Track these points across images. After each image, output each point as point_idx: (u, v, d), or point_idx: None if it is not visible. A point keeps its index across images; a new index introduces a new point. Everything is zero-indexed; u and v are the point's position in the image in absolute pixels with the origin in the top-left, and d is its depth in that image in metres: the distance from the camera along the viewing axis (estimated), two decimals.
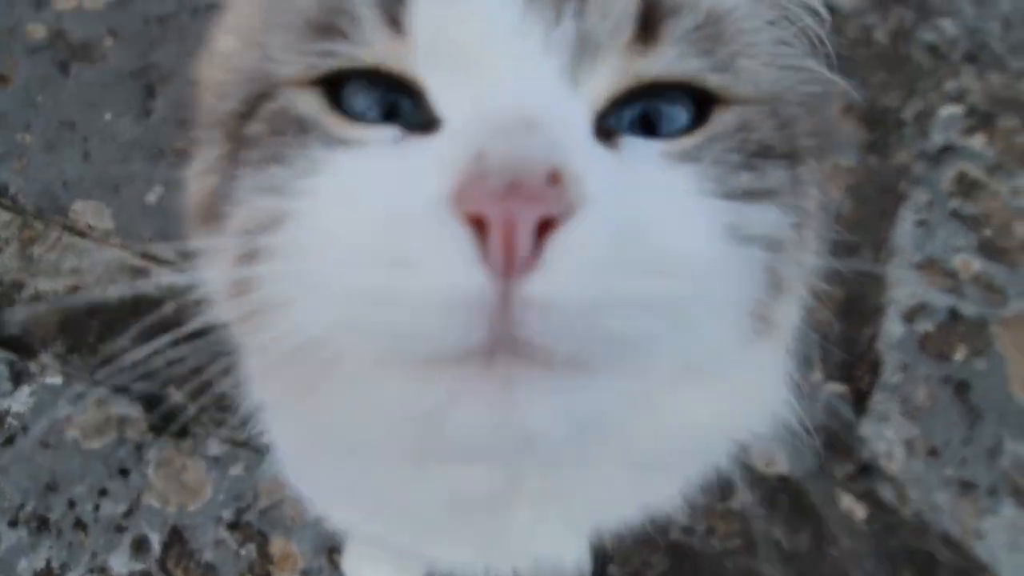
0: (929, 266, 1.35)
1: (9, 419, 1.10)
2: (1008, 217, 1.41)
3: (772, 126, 0.50)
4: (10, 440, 1.09)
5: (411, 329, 0.39)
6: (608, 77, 0.46)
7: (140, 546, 1.03)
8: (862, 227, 1.37)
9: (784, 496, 1.17)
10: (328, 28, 0.48)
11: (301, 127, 0.47)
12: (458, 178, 0.38)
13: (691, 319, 0.43)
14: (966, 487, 1.19)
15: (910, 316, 1.30)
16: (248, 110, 0.50)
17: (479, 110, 0.43)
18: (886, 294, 1.31)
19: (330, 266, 0.41)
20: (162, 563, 1.02)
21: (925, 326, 1.29)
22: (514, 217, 0.37)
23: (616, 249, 0.39)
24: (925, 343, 1.28)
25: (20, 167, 1.28)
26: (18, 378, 1.13)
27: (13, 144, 1.30)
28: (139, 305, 1.18)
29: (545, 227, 0.38)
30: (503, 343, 0.39)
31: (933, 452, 1.21)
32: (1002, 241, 1.38)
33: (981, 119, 1.50)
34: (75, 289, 1.19)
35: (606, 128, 0.47)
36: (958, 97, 1.53)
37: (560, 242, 0.38)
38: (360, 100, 0.48)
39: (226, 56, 0.56)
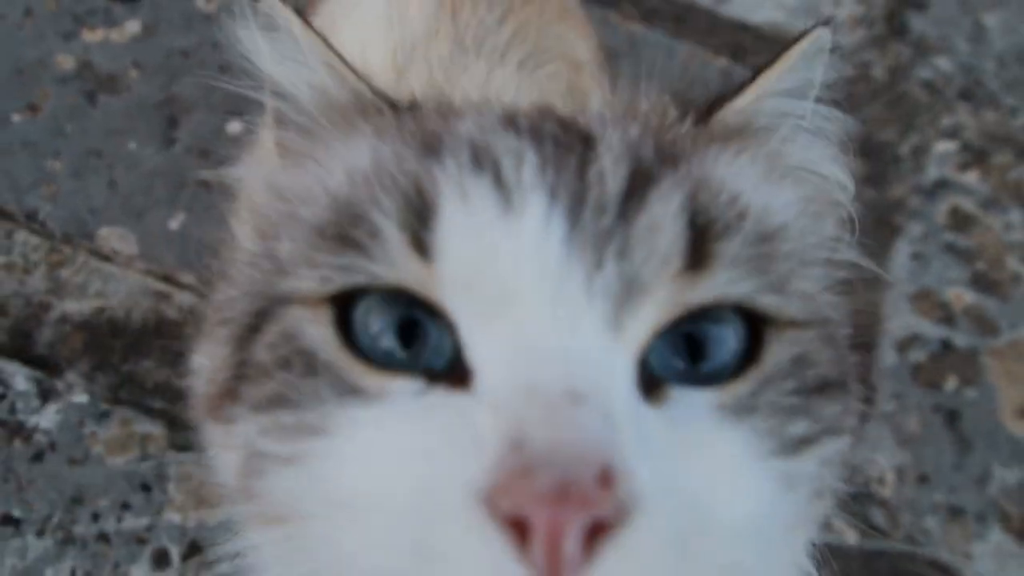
0: (923, 297, 1.39)
1: (37, 435, 1.15)
2: (1000, 251, 1.45)
3: (829, 357, 0.47)
4: (39, 455, 1.14)
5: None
6: (653, 313, 0.42)
7: (161, 558, 1.08)
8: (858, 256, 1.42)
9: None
10: (345, 239, 0.44)
11: (310, 366, 0.43)
12: (496, 471, 0.35)
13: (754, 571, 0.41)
14: (956, 513, 1.23)
15: (903, 346, 1.34)
16: (256, 324, 0.47)
17: (514, 371, 0.39)
18: (880, 324, 1.35)
19: (350, 539, 0.39)
20: (181, 574, 1.07)
21: (918, 356, 1.34)
22: (561, 522, 0.34)
23: (675, 547, 0.37)
24: (918, 373, 1.32)
25: (49, 193, 1.33)
26: (46, 396, 1.18)
27: (43, 171, 1.35)
28: (161, 327, 1.23)
29: (595, 530, 0.34)
30: None
31: (924, 478, 1.25)
32: (994, 274, 1.43)
33: (975, 155, 1.55)
34: (100, 311, 1.24)
35: (651, 374, 0.43)
36: (953, 133, 1.58)
37: (613, 548, 0.35)
38: (375, 321, 0.43)
39: (242, 248, 0.53)
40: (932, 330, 1.36)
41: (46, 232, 1.30)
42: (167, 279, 1.27)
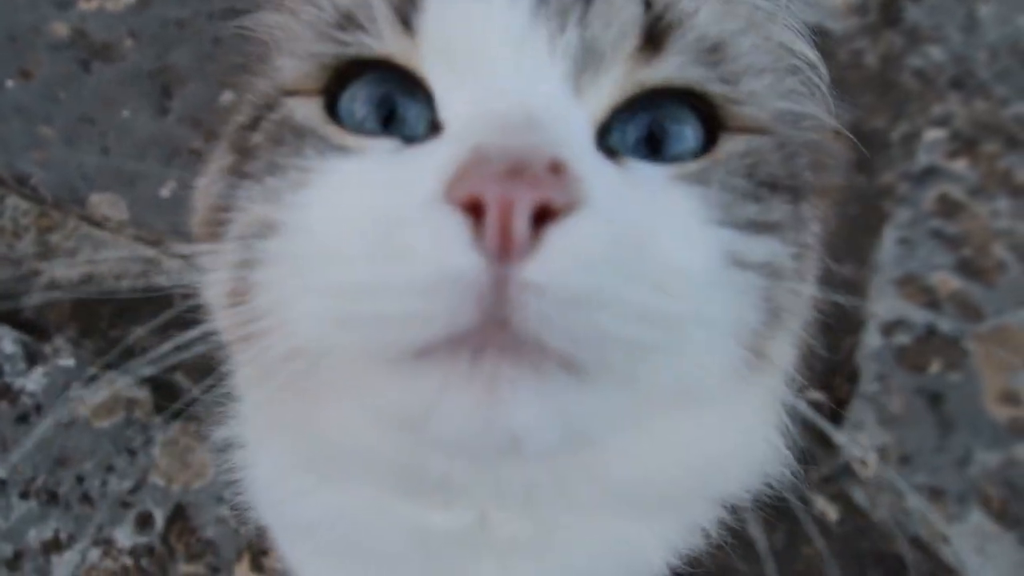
0: (909, 282, 1.40)
1: (23, 397, 1.15)
2: (987, 238, 1.46)
3: (779, 159, 0.50)
4: (24, 417, 1.15)
5: (400, 315, 0.38)
6: (612, 86, 0.47)
7: (144, 521, 1.09)
8: (846, 243, 1.42)
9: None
10: (343, 26, 0.49)
11: (298, 135, 0.48)
12: (454, 167, 0.38)
13: (685, 337, 0.42)
14: (936, 494, 1.24)
15: (888, 329, 1.35)
16: (252, 122, 0.51)
17: (480, 111, 0.43)
18: (866, 307, 1.36)
19: (321, 268, 0.41)
20: (164, 538, 1.07)
21: (903, 339, 1.34)
22: (512, 197, 0.36)
23: (616, 251, 0.38)
24: (902, 356, 1.33)
25: (41, 159, 1.33)
26: (32, 359, 1.18)
27: (35, 137, 1.35)
28: (149, 293, 1.23)
29: (543, 216, 0.37)
30: (494, 334, 0.38)
31: (906, 459, 1.25)
32: (980, 261, 1.43)
33: (965, 143, 1.56)
34: (90, 277, 1.24)
35: (610, 147, 0.47)
36: (943, 121, 1.58)
37: (559, 233, 0.37)
38: (360, 106, 0.48)
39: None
40: (917, 314, 1.36)
41: (37, 197, 1.30)
42: (157, 246, 1.27)
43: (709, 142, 0.49)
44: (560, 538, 0.58)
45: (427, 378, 0.39)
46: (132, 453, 1.12)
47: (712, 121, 0.49)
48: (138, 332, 0.58)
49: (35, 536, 1.07)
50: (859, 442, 1.26)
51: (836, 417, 1.28)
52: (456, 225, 0.37)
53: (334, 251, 0.41)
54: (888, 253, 1.42)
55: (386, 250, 0.39)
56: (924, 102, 1.60)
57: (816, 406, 1.29)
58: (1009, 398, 1.31)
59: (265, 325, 0.43)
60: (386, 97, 0.48)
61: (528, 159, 0.37)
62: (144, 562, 1.06)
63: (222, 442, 0.65)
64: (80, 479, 1.11)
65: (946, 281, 1.40)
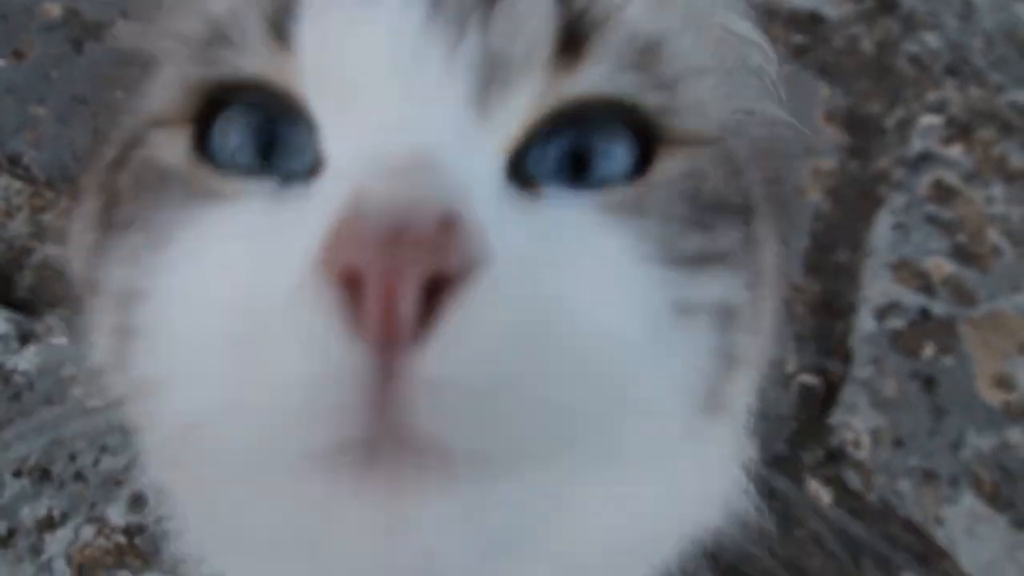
0: (903, 267, 1.40)
1: (16, 376, 1.15)
2: (982, 223, 1.46)
3: (725, 174, 0.43)
4: (17, 396, 1.14)
5: (277, 418, 0.32)
6: (524, 103, 0.39)
7: (137, 500, 1.08)
8: (840, 228, 1.43)
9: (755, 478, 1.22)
10: (214, 39, 0.42)
11: (161, 179, 0.40)
12: (329, 231, 0.31)
13: (618, 406, 0.36)
14: (929, 476, 1.24)
15: (882, 313, 1.35)
16: (121, 157, 0.44)
17: (364, 147, 0.36)
18: (860, 292, 1.37)
19: (190, 347, 0.35)
20: (157, 516, 1.07)
21: (896, 323, 1.35)
22: (395, 271, 0.29)
23: (526, 323, 0.33)
24: (896, 339, 1.34)
25: (33, 138, 1.33)
26: (25, 338, 1.18)
27: (27, 116, 1.35)
28: None
29: (436, 287, 0.30)
30: (388, 434, 0.31)
31: (899, 442, 1.26)
32: (975, 246, 1.44)
33: (960, 129, 1.56)
34: None
35: (525, 174, 0.39)
36: (939, 108, 1.59)
37: (455, 308, 0.31)
38: (234, 136, 0.41)
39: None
40: (911, 298, 1.37)
41: (29, 177, 1.29)
42: None
43: (644, 159, 0.41)
44: None
45: (315, 485, 0.33)
46: (125, 432, 1.12)
47: (646, 134, 0.42)
48: None
49: (29, 514, 1.07)
50: (853, 425, 1.26)
51: (830, 400, 1.28)
52: (328, 302, 0.30)
53: (200, 327, 0.35)
54: (882, 238, 1.42)
55: (251, 329, 0.33)
56: (920, 88, 1.60)
57: (809, 389, 1.29)
58: (1002, 382, 1.32)
59: (146, 401, 0.38)
60: (265, 125, 0.41)
61: (411, 218, 0.30)
62: (138, 540, 1.06)
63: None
64: (73, 457, 1.10)
65: (940, 266, 1.40)
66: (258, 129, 0.41)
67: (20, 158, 1.31)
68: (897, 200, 1.46)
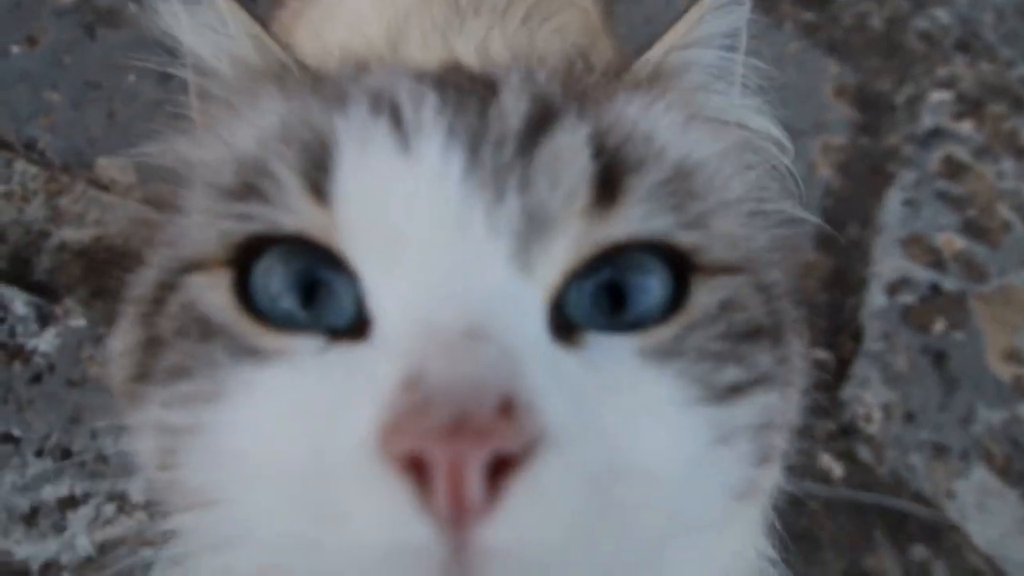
0: (914, 242, 1.40)
1: (36, 358, 1.17)
2: (992, 198, 1.46)
3: (759, 301, 0.45)
4: (37, 377, 1.16)
5: (349, 567, 0.34)
6: (563, 253, 0.40)
7: None
8: (850, 203, 1.43)
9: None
10: (246, 194, 0.42)
11: (205, 331, 0.41)
12: (390, 412, 0.33)
13: (668, 535, 0.39)
14: (940, 450, 1.25)
15: (893, 289, 1.36)
16: (160, 297, 0.44)
17: (413, 313, 0.37)
18: (871, 267, 1.37)
19: (251, 512, 0.36)
20: None
21: (907, 299, 1.35)
22: (460, 458, 0.31)
23: (587, 490, 0.34)
24: (907, 315, 1.34)
25: (47, 124, 1.34)
26: (44, 320, 1.19)
27: (41, 102, 1.36)
28: None
29: (500, 467, 0.32)
30: None
31: (910, 417, 1.27)
32: (985, 221, 1.44)
33: (970, 105, 1.56)
34: (99, 239, 1.25)
35: (566, 319, 0.41)
36: (949, 83, 1.58)
37: (520, 485, 0.32)
38: (274, 281, 0.41)
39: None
40: (922, 274, 1.37)
41: (45, 162, 1.31)
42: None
43: (678, 289, 0.43)
44: None
45: None
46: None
47: (679, 263, 0.43)
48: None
49: (51, 492, 1.09)
50: (864, 400, 1.27)
51: (841, 375, 1.29)
52: (398, 489, 0.32)
53: (261, 495, 0.36)
54: (893, 214, 1.42)
55: (320, 504, 0.34)
56: (930, 64, 1.60)
57: (821, 365, 1.30)
58: (1013, 356, 1.32)
59: (199, 518, 0.39)
60: (306, 271, 0.41)
61: (473, 404, 0.32)
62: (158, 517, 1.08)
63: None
64: (94, 436, 1.12)
65: (951, 241, 1.41)
66: (299, 276, 0.41)
67: (35, 143, 1.32)
68: (907, 176, 1.47)
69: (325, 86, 0.48)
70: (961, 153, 1.50)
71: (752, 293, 0.45)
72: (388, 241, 0.39)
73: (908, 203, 1.44)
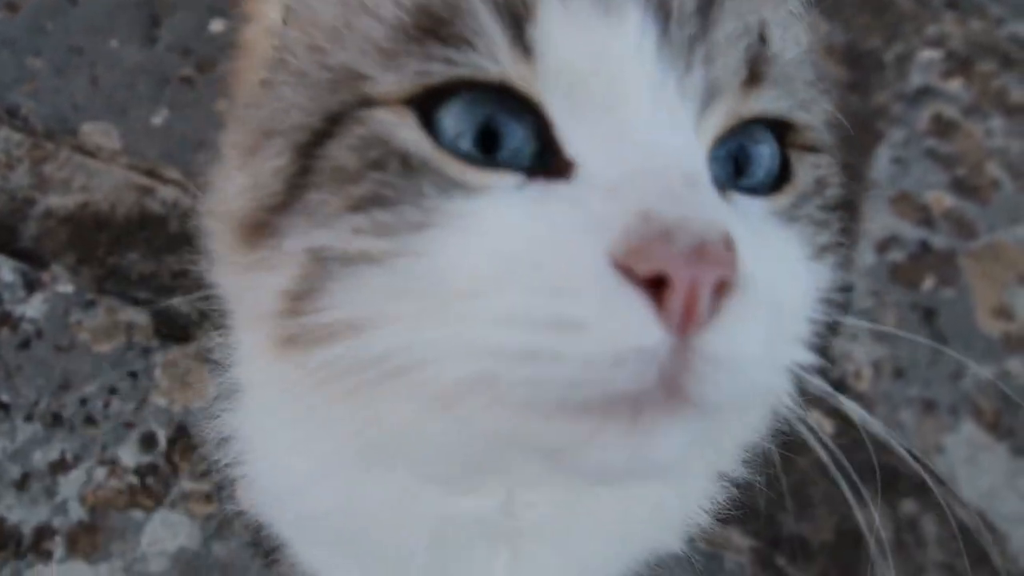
0: (903, 200, 1.40)
1: (24, 324, 1.16)
2: (981, 156, 1.46)
3: (838, 180, 0.53)
4: (25, 343, 1.15)
5: (570, 381, 0.39)
6: (721, 119, 0.47)
7: (148, 440, 1.10)
8: (840, 162, 1.43)
9: None
10: (439, 36, 0.44)
11: (406, 164, 0.44)
12: (629, 239, 0.38)
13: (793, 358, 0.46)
14: (929, 406, 1.26)
15: (882, 247, 1.36)
16: (327, 128, 0.46)
17: (628, 161, 0.42)
18: (860, 225, 1.37)
19: (470, 328, 0.40)
20: (168, 456, 1.09)
21: (897, 256, 1.35)
22: (698, 280, 0.37)
23: (772, 319, 0.41)
24: (896, 272, 1.34)
25: (31, 90, 1.33)
26: (31, 287, 1.19)
27: (24, 69, 1.35)
28: (145, 221, 1.23)
29: (719, 288, 0.38)
30: (662, 395, 0.39)
31: (899, 373, 1.27)
32: (974, 179, 1.44)
33: (959, 63, 1.55)
34: (85, 205, 1.24)
35: (715, 179, 0.46)
36: (938, 42, 1.58)
37: (734, 308, 0.39)
38: (455, 123, 0.44)
39: (286, 43, 0.51)
40: (911, 231, 1.37)
41: (28, 128, 1.30)
42: (151, 174, 1.27)
43: (782, 163, 0.50)
44: (580, 520, 0.59)
45: (580, 430, 0.41)
46: (133, 375, 1.13)
47: (783, 140, 0.50)
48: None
49: (41, 457, 1.09)
50: (854, 356, 1.27)
51: (831, 332, 1.29)
52: (639, 302, 0.38)
53: (486, 311, 0.40)
54: (882, 172, 1.42)
55: (555, 317, 0.39)
56: (919, 22, 1.59)
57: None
58: (1002, 313, 1.32)
59: (347, 337, 0.42)
60: (488, 117, 0.44)
61: (710, 239, 0.38)
62: (149, 480, 1.08)
63: (218, 435, 0.64)
64: (83, 401, 1.12)
65: (940, 199, 1.40)
66: (482, 119, 0.44)
67: (18, 110, 1.31)
68: (896, 134, 1.46)
69: None
70: (950, 111, 1.50)
71: (835, 172, 0.53)
72: (594, 97, 0.43)
73: (897, 161, 1.44)
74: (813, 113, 0.52)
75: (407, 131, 0.44)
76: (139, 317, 1.16)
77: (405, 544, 0.58)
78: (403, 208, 0.43)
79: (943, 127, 1.48)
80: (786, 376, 0.45)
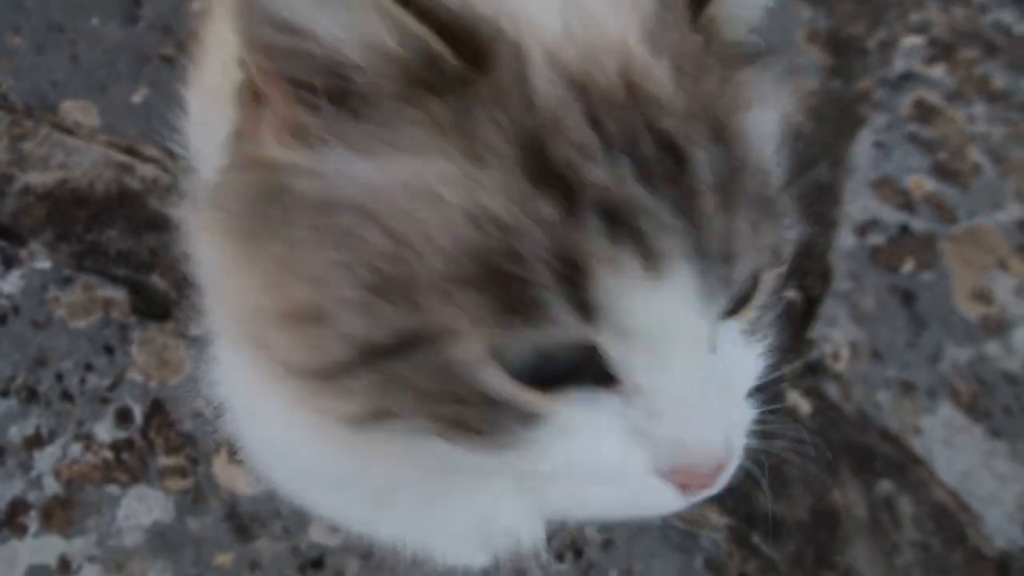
0: (884, 184, 1.41)
1: (0, 300, 1.16)
2: (963, 142, 1.46)
3: (784, 269, 0.59)
4: (2, 319, 1.15)
5: (628, 505, 0.54)
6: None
7: (124, 416, 1.10)
8: (821, 146, 1.43)
9: None
10: (494, 290, 0.45)
11: (487, 400, 0.48)
12: (671, 462, 0.51)
13: None
14: (907, 387, 1.26)
15: (863, 230, 1.36)
16: (395, 347, 0.47)
17: (672, 392, 0.50)
18: (840, 209, 1.37)
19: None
20: (144, 432, 1.08)
21: (876, 240, 1.36)
22: (707, 484, 0.52)
23: (742, 411, 0.55)
24: (875, 255, 1.34)
25: (10, 67, 1.32)
26: (8, 263, 1.18)
27: (3, 46, 1.34)
28: (124, 198, 1.23)
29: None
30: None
31: (877, 355, 1.27)
32: (955, 164, 1.44)
33: (943, 49, 1.55)
34: (63, 182, 1.24)
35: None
36: (921, 28, 1.58)
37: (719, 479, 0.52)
38: (521, 361, 0.48)
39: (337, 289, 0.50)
40: (892, 215, 1.37)
41: (7, 105, 1.29)
42: (130, 151, 1.26)
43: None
44: None
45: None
46: (110, 351, 1.13)
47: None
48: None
49: (17, 433, 1.09)
50: (832, 338, 1.28)
51: (810, 314, 1.29)
52: (672, 491, 0.52)
53: (584, 487, 0.53)
54: (864, 156, 1.42)
55: (631, 497, 0.53)
56: (903, 9, 1.59)
57: (790, 304, 1.30)
58: (980, 296, 1.33)
59: None
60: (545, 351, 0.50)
61: (714, 469, 0.51)
62: (125, 455, 1.07)
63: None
64: (59, 377, 1.12)
65: (920, 183, 1.41)
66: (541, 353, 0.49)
67: None
68: (878, 119, 1.46)
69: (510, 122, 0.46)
70: (933, 97, 1.50)
71: (783, 274, 0.59)
72: (643, 339, 0.48)
73: (878, 145, 1.44)
74: (784, 242, 0.55)
75: (488, 369, 0.48)
76: (117, 294, 1.16)
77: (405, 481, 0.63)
78: (487, 435, 0.50)
79: (925, 112, 1.48)
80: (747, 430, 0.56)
